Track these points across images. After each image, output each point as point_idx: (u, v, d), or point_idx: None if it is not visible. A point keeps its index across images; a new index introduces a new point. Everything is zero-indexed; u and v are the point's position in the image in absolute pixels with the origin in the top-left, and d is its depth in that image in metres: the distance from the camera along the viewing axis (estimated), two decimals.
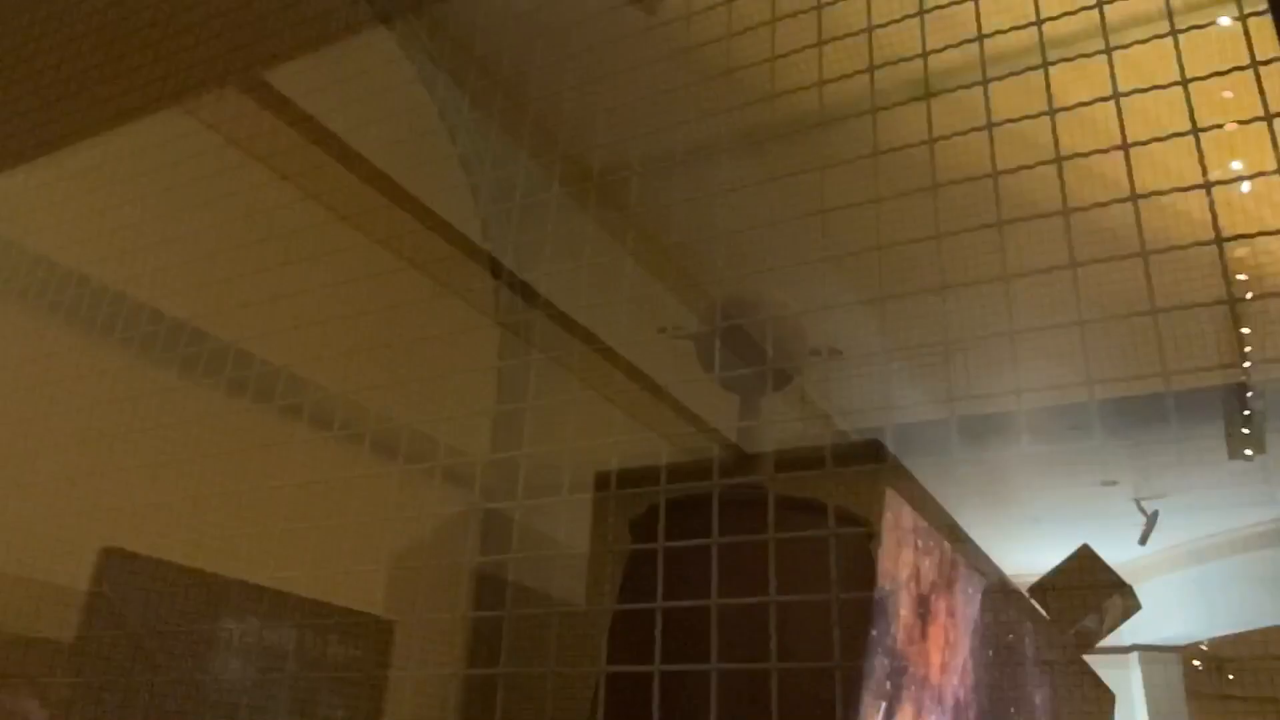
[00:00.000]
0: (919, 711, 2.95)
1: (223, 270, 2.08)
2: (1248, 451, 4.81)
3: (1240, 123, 1.02)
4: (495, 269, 2.90)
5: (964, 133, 1.16)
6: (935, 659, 3.11)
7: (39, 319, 2.29)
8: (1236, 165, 1.39)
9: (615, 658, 1.94)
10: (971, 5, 1.24)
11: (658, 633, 1.20)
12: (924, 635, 3.04)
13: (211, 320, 2.02)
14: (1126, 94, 1.09)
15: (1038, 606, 3.89)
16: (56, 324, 2.24)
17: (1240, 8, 1.10)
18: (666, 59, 1.50)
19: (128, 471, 2.00)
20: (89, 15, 2.34)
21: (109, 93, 2.23)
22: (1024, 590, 3.91)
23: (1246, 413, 4.68)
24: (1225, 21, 1.17)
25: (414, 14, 2.57)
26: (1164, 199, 1.09)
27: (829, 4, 1.34)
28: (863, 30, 1.30)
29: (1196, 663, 7.80)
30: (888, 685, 2.73)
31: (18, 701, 2.16)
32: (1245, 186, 1.28)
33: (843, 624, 1.20)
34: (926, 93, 1.21)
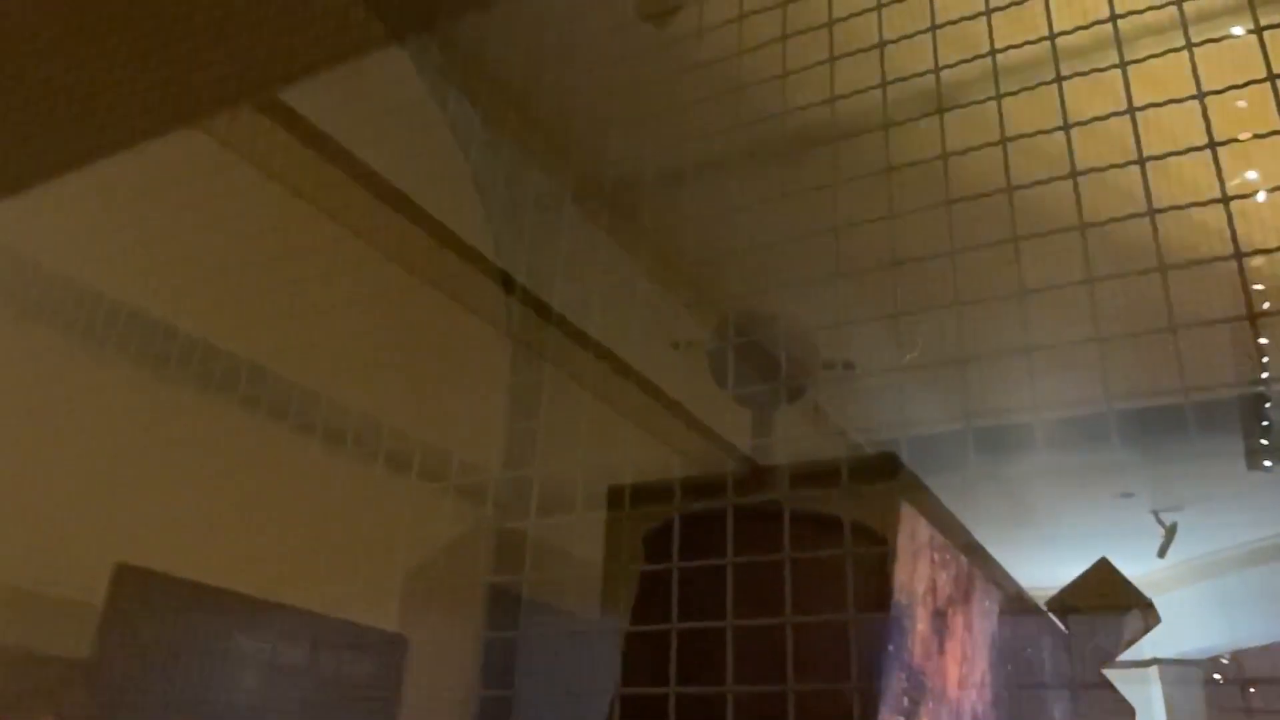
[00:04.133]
0: None
1: (237, 287, 2.09)
2: (1267, 463, 4.75)
3: (1258, 136, 1.01)
4: (508, 284, 2.90)
5: (978, 147, 1.15)
6: (952, 674, 3.08)
7: (54, 336, 2.31)
8: (1252, 175, 1.38)
9: (631, 662, 1.94)
10: (984, 19, 1.24)
11: (673, 653, 1.19)
12: (941, 650, 3.01)
13: (226, 337, 2.03)
14: (1141, 108, 1.09)
15: (1056, 620, 3.85)
16: (72, 341, 2.25)
17: (1255, 20, 1.09)
18: (678, 75, 1.50)
19: (142, 488, 2.01)
20: (105, 35, 2.36)
21: (125, 111, 2.25)
22: (1042, 604, 3.88)
23: (1265, 423, 4.63)
24: (1238, 31, 1.16)
25: (427, 32, 2.58)
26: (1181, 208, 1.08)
27: (841, 20, 1.34)
28: (874, 45, 1.30)
29: (1217, 676, 7.71)
30: (905, 701, 2.71)
31: (33, 719, 2.16)
32: (1261, 196, 1.27)
33: (856, 621, 1.21)
34: (940, 107, 1.21)
